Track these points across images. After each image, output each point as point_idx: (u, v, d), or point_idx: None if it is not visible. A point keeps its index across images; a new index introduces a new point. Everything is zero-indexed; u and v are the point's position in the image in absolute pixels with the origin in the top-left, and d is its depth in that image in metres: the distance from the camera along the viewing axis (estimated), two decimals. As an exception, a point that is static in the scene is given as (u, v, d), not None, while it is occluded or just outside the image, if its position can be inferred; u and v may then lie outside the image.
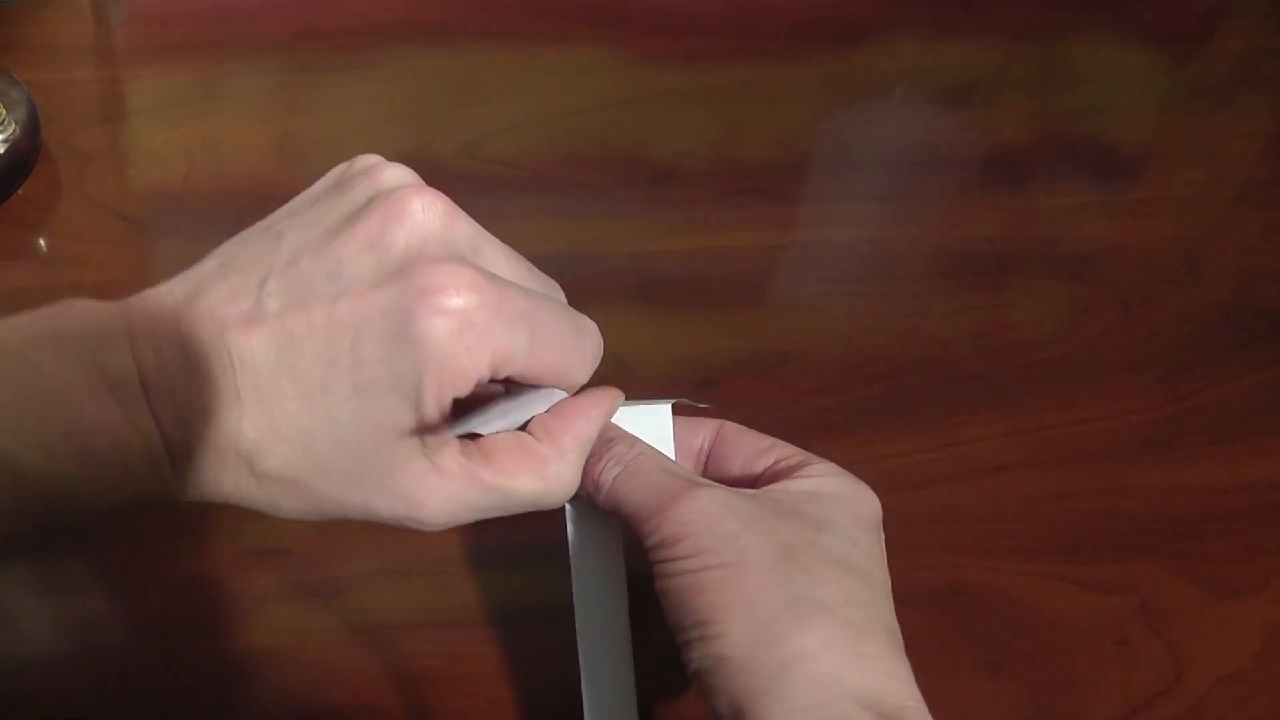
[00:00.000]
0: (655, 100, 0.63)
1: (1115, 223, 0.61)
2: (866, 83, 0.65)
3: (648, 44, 0.65)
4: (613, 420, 0.36)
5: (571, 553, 0.37)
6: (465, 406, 0.31)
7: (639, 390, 0.37)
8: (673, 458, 0.36)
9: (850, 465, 0.38)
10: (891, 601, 0.34)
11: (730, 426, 0.38)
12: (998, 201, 0.61)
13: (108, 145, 0.58)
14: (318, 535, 0.45)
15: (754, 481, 0.36)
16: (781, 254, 0.58)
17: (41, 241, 0.54)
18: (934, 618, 0.46)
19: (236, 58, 0.62)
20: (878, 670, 0.31)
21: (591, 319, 0.34)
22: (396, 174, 0.32)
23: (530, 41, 0.65)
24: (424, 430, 0.30)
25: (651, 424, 0.36)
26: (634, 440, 0.35)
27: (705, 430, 0.38)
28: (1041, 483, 0.50)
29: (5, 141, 0.53)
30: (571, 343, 0.32)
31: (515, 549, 0.46)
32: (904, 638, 0.34)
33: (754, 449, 0.37)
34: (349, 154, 0.60)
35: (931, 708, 0.33)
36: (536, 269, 0.34)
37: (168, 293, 0.31)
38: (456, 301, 0.29)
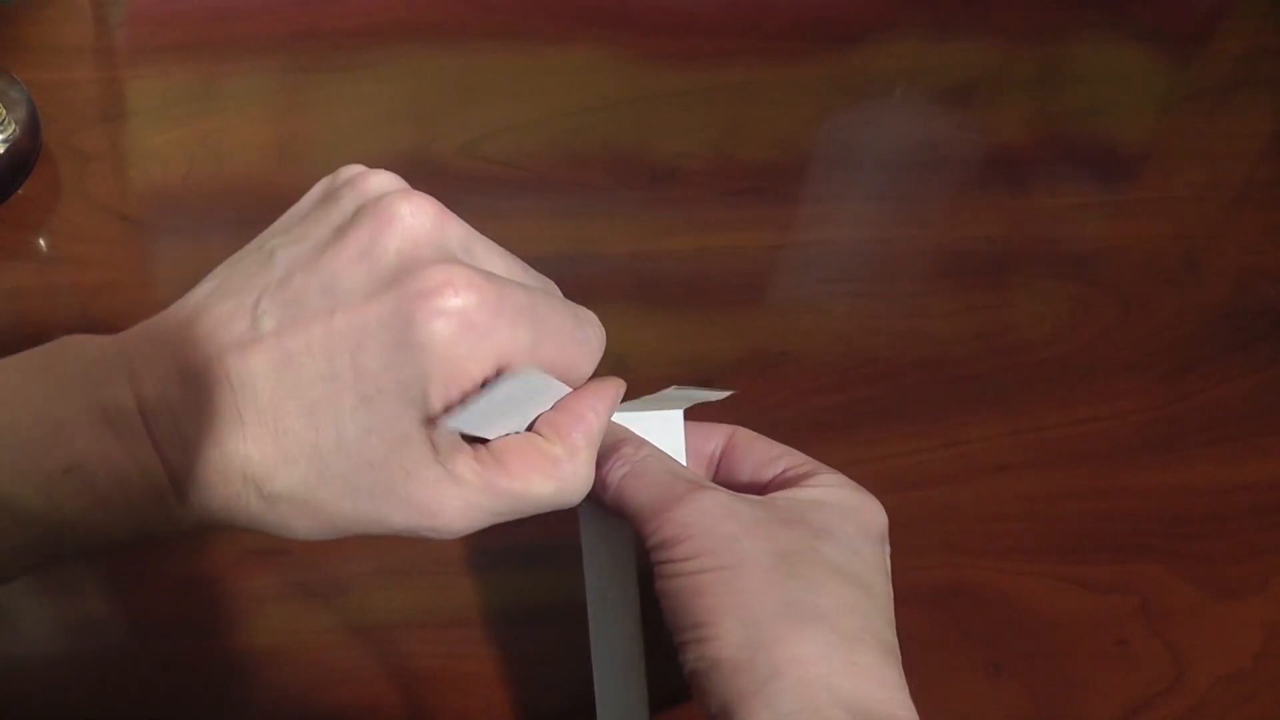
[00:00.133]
0: (655, 100, 0.63)
1: (1115, 223, 0.61)
2: (866, 83, 0.65)
3: (648, 44, 0.65)
4: (626, 425, 0.36)
5: (585, 553, 0.37)
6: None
7: (639, 391, 0.37)
8: (684, 462, 0.37)
9: (850, 465, 0.38)
10: (891, 613, 0.34)
11: (742, 433, 0.38)
12: (998, 201, 0.61)
13: (108, 145, 0.58)
14: (318, 535, 0.45)
15: (763, 488, 0.36)
16: (781, 254, 0.58)
17: (41, 241, 0.54)
18: (934, 618, 0.46)
19: (236, 58, 0.62)
20: (868, 678, 0.31)
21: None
22: (382, 181, 0.31)
23: (530, 41, 0.65)
24: (434, 438, 0.30)
25: (663, 429, 0.36)
26: (642, 442, 0.36)
27: (717, 436, 0.38)
28: (1041, 483, 0.50)
29: (5, 141, 0.53)
30: (575, 335, 0.32)
31: (515, 549, 0.46)
32: (904, 638, 0.34)
33: (764, 456, 0.37)
34: (349, 154, 0.60)
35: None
36: (530, 267, 0.33)
37: (163, 321, 0.31)
38: (455, 302, 0.29)
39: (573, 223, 0.57)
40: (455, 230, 0.31)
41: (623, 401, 0.36)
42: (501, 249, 0.33)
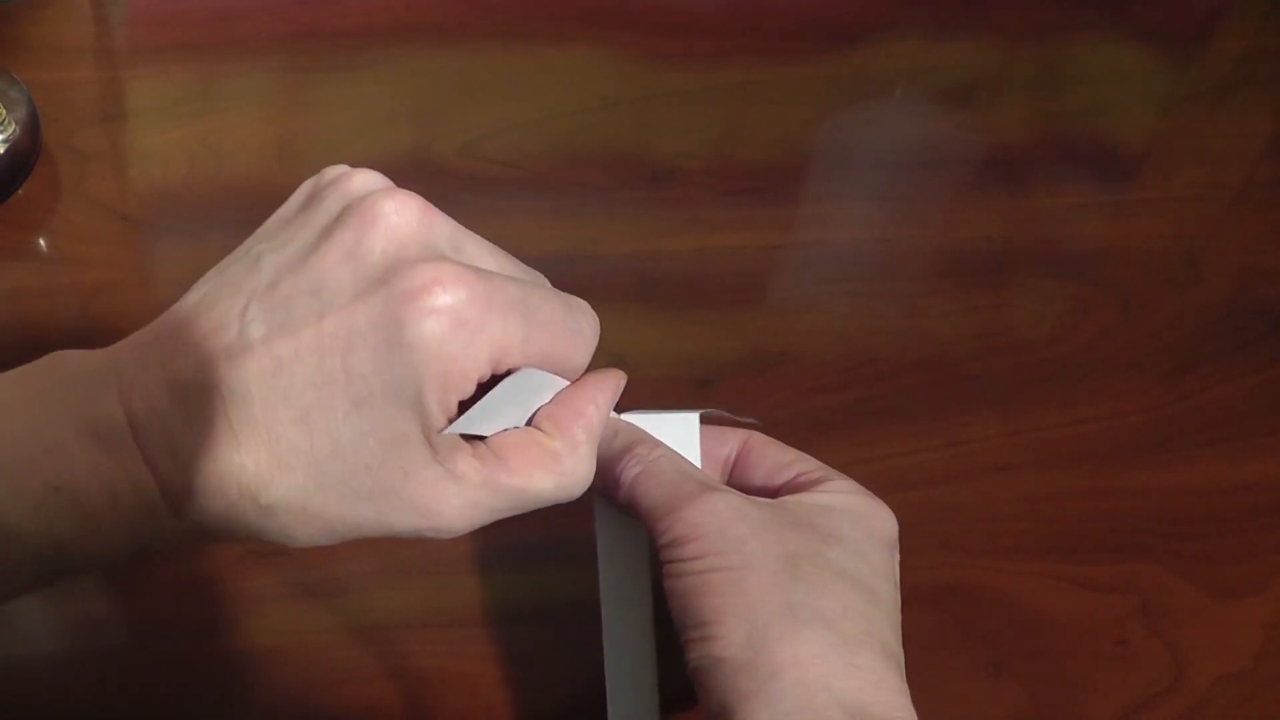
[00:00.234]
0: (655, 100, 0.63)
1: (1115, 223, 0.61)
2: (866, 83, 0.65)
3: (648, 44, 0.65)
4: (642, 426, 0.36)
5: (600, 550, 0.37)
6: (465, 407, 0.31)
7: (639, 390, 0.37)
8: (698, 465, 0.37)
9: (850, 465, 0.38)
10: (897, 620, 0.34)
11: (757, 438, 0.39)
12: (998, 201, 0.61)
13: (108, 145, 0.58)
14: (318, 535, 0.45)
15: (775, 493, 0.37)
16: (781, 254, 0.58)
17: (41, 241, 0.54)
18: (934, 618, 0.46)
19: (236, 58, 0.62)
20: (867, 680, 0.31)
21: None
22: (365, 180, 0.31)
23: (530, 41, 0.65)
24: (431, 437, 0.29)
25: (679, 432, 0.37)
26: (656, 443, 0.36)
27: (733, 440, 0.39)
28: (1041, 483, 0.50)
29: (5, 141, 0.53)
30: (568, 326, 0.32)
31: (516, 548, 0.46)
32: (904, 638, 0.34)
33: (778, 461, 0.37)
34: (349, 154, 0.60)
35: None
36: (519, 261, 0.33)
37: (152, 332, 0.31)
38: (445, 299, 0.28)
39: (573, 223, 0.57)
40: (442, 226, 0.31)
41: (643, 411, 0.37)
42: (490, 244, 0.32)
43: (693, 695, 0.36)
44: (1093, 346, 0.55)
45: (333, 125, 0.60)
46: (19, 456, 0.28)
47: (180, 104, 0.60)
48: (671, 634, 0.34)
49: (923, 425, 0.52)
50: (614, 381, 0.34)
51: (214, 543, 0.31)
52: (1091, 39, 0.70)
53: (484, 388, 0.31)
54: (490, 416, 0.31)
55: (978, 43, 0.69)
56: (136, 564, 0.44)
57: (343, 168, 0.32)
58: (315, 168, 0.33)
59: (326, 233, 0.30)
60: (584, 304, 0.33)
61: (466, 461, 0.30)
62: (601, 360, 0.35)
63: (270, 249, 0.30)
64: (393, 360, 0.28)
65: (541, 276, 0.33)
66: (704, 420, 0.37)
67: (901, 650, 0.34)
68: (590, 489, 0.36)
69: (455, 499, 0.30)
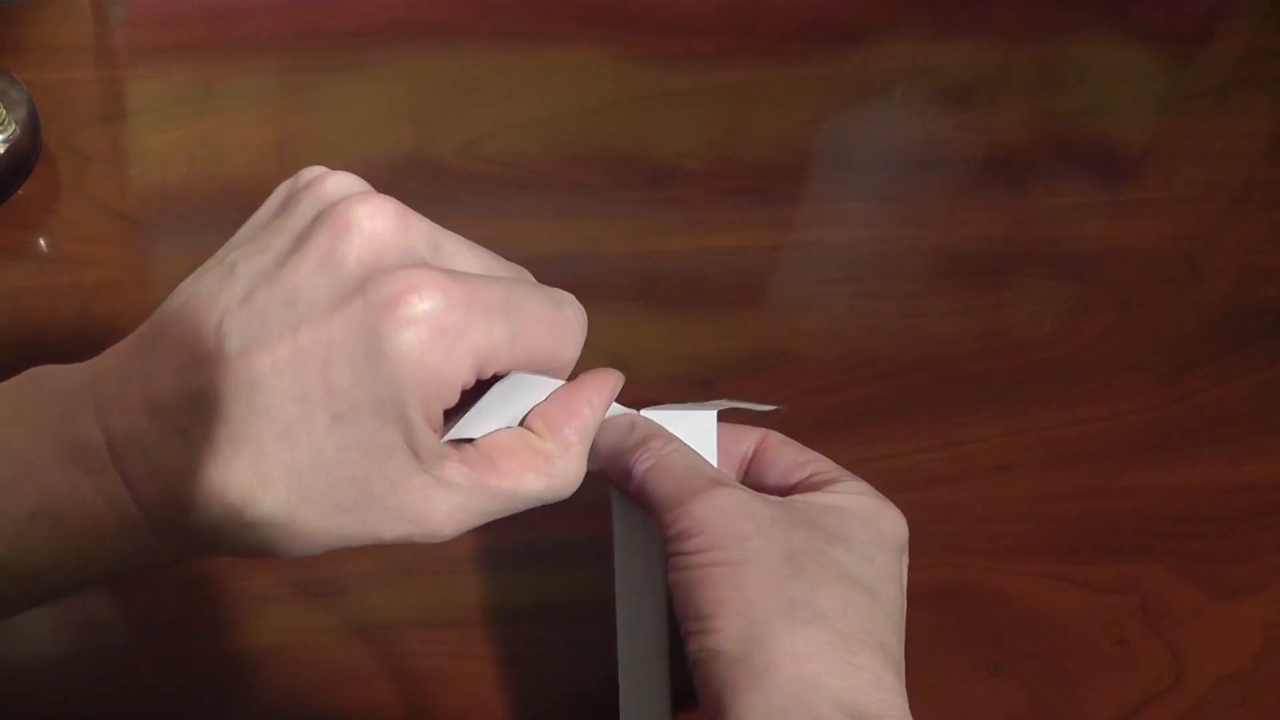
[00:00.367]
0: (655, 100, 0.63)
1: (1115, 223, 0.61)
2: (866, 83, 0.65)
3: (648, 44, 0.65)
4: (660, 422, 0.36)
5: (616, 543, 0.37)
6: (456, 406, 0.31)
7: (639, 390, 0.37)
8: (714, 462, 0.37)
9: (850, 465, 0.38)
10: (899, 622, 0.34)
11: (774, 437, 0.39)
12: (998, 201, 0.61)
13: (108, 145, 0.58)
14: (318, 535, 0.45)
15: (789, 492, 0.37)
16: (781, 254, 0.58)
17: (41, 241, 0.54)
18: (934, 618, 0.46)
19: (236, 58, 0.62)
20: (863, 679, 0.31)
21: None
22: (340, 183, 0.30)
23: (530, 41, 0.65)
24: (416, 446, 0.29)
25: (697, 428, 0.37)
26: (671, 438, 0.36)
27: (749, 439, 0.39)
28: (1041, 483, 0.50)
29: (5, 141, 0.53)
30: (554, 321, 0.31)
31: (516, 548, 0.46)
32: (905, 638, 0.34)
33: (792, 461, 0.38)
34: (349, 154, 0.60)
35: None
36: (500, 257, 0.32)
37: (130, 346, 0.30)
38: (423, 306, 0.27)
39: (573, 223, 0.57)
40: (418, 229, 0.30)
41: (663, 407, 0.37)
42: (469, 242, 0.31)
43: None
44: (1093, 346, 0.55)
45: (333, 125, 0.60)
46: None
47: (180, 104, 0.60)
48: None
49: (923, 425, 0.52)
50: (611, 381, 0.34)
51: (202, 559, 0.31)
52: (1091, 39, 0.70)
53: (472, 391, 0.31)
54: (483, 421, 0.31)
55: (978, 43, 0.69)
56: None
57: (319, 170, 0.31)
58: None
59: (301, 241, 0.29)
60: (569, 297, 0.32)
61: (454, 468, 0.30)
62: (601, 360, 0.35)
63: (244, 256, 0.30)
64: (372, 373, 0.28)
65: (525, 271, 0.33)
66: (724, 412, 0.37)
67: (902, 652, 0.34)
68: (609, 482, 0.36)
69: (444, 505, 0.30)
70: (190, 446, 0.28)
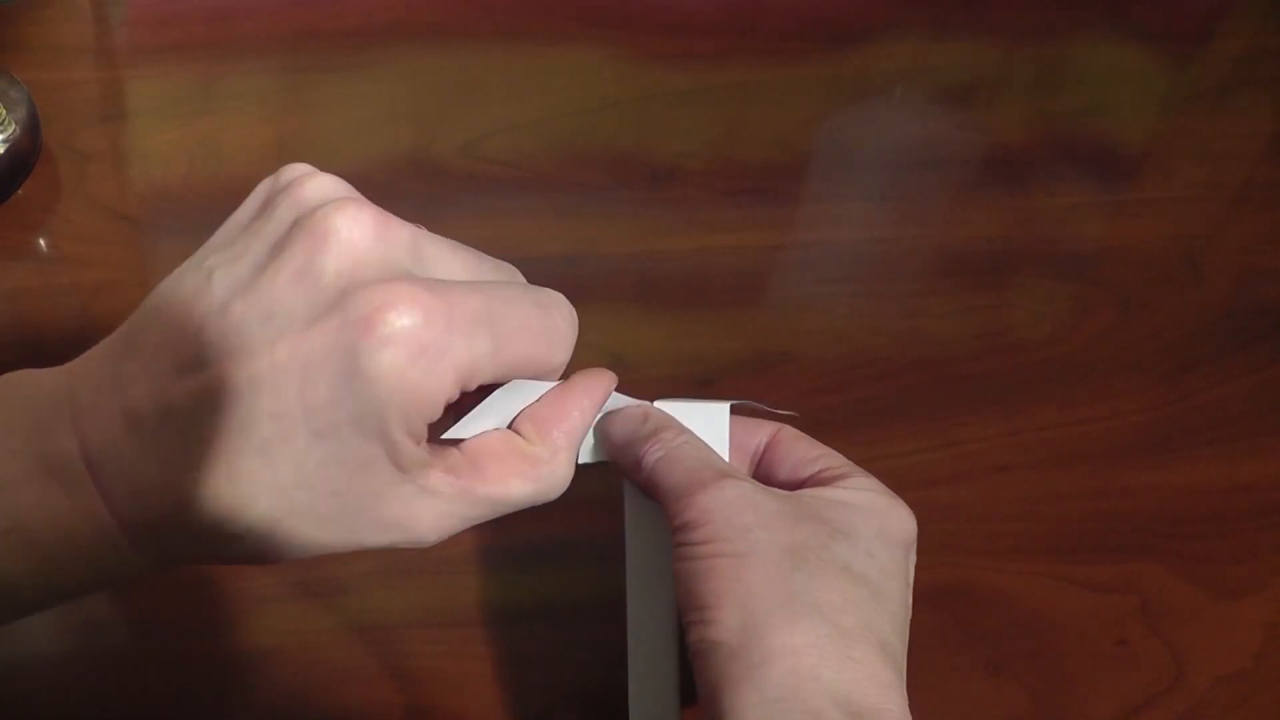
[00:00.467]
0: (655, 100, 0.63)
1: (1115, 223, 0.61)
2: (866, 83, 0.65)
3: (648, 44, 0.65)
4: (672, 414, 0.36)
5: (627, 533, 0.37)
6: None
7: (639, 391, 0.37)
8: (726, 454, 0.37)
9: (850, 465, 0.38)
10: (901, 619, 0.34)
11: (788, 432, 0.39)
12: (998, 201, 0.61)
13: (108, 145, 0.58)
14: (318, 535, 0.45)
15: (799, 487, 0.37)
16: (781, 254, 0.58)
17: (41, 241, 0.54)
18: (934, 618, 0.46)
19: (236, 58, 0.62)
20: (860, 673, 0.31)
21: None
22: (319, 187, 0.29)
23: (530, 41, 0.65)
24: (399, 459, 0.28)
25: (709, 421, 0.37)
26: (682, 429, 0.36)
27: (763, 432, 0.39)
28: (1041, 483, 0.50)
29: (5, 141, 0.53)
30: (541, 326, 0.30)
31: (515, 548, 0.46)
32: (907, 635, 0.34)
33: (804, 456, 0.37)
34: (349, 154, 0.60)
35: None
36: (487, 256, 0.31)
37: (106, 351, 0.29)
38: (401, 323, 0.27)
39: (573, 223, 0.57)
40: (398, 236, 0.28)
41: (677, 400, 0.37)
42: (455, 244, 0.30)
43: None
44: (1093, 346, 0.55)
45: (333, 125, 0.60)
46: None
47: (180, 104, 0.60)
48: None
49: (923, 425, 0.52)
50: (603, 383, 0.34)
51: (183, 567, 0.30)
52: (1091, 39, 0.70)
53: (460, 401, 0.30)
54: (479, 422, 0.31)
55: (978, 43, 0.69)
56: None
57: (300, 169, 0.30)
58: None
59: (278, 249, 0.28)
60: (558, 298, 0.31)
61: (438, 477, 0.30)
62: (601, 360, 0.35)
63: (221, 263, 0.29)
64: (352, 393, 0.27)
65: (514, 270, 0.32)
66: (738, 411, 0.37)
67: (902, 649, 0.33)
68: (620, 472, 0.36)
69: (429, 513, 0.30)
70: (167, 461, 0.28)
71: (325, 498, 0.28)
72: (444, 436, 0.31)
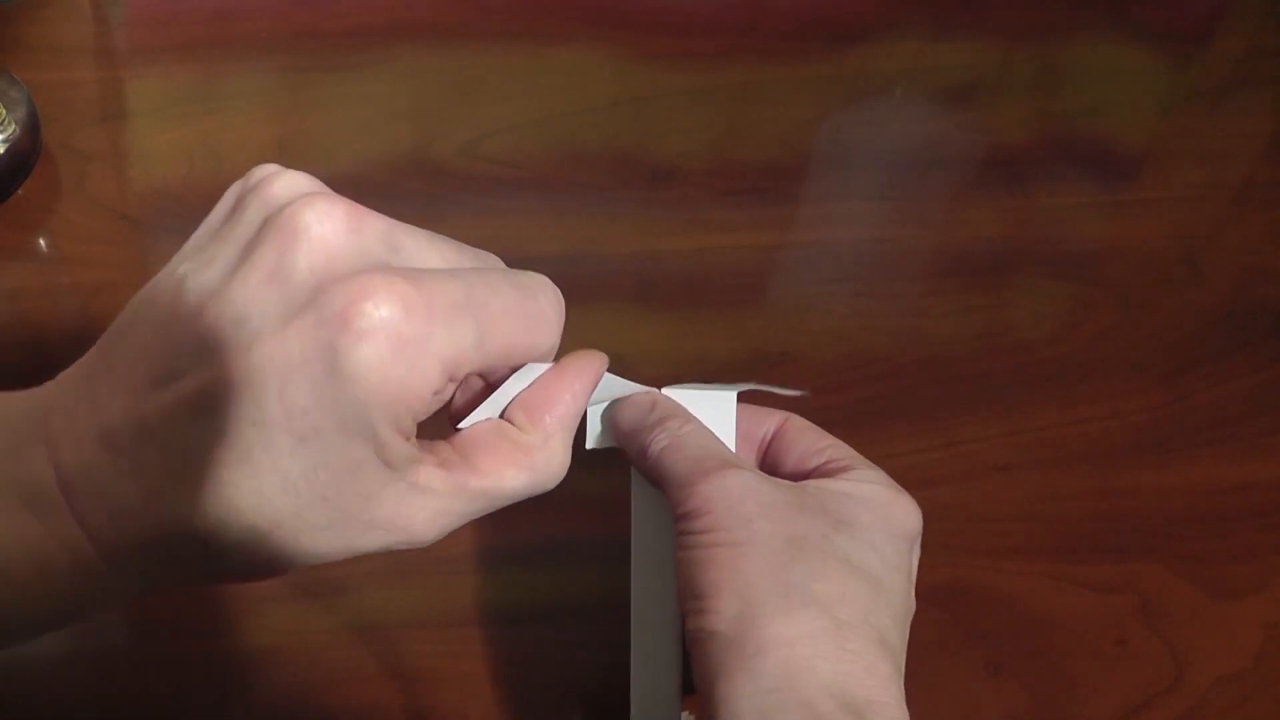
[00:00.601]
0: (655, 100, 0.63)
1: (1115, 223, 0.61)
2: (866, 83, 0.65)
3: (648, 44, 0.65)
4: (680, 402, 0.36)
5: (633, 519, 0.37)
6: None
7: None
8: (732, 443, 0.37)
9: (850, 465, 0.38)
10: (900, 612, 0.34)
11: (795, 421, 0.38)
12: (998, 201, 0.61)
13: (108, 145, 0.58)
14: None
15: (805, 477, 0.37)
16: (781, 254, 0.58)
17: (41, 241, 0.54)
18: (934, 618, 0.46)
19: (236, 58, 0.62)
20: (856, 665, 0.31)
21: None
22: (288, 184, 0.28)
23: (530, 41, 0.65)
24: (388, 457, 0.27)
25: (716, 409, 0.37)
26: (689, 418, 0.36)
27: (770, 421, 0.38)
28: (1041, 483, 0.50)
29: (5, 141, 0.53)
30: (525, 310, 0.29)
31: (516, 548, 0.46)
32: (907, 628, 0.34)
33: (811, 447, 0.37)
34: (349, 154, 0.60)
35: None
36: (466, 246, 0.30)
37: (82, 370, 0.28)
38: (380, 315, 0.26)
39: (573, 223, 0.57)
40: (372, 228, 0.28)
41: (684, 386, 0.37)
42: (431, 234, 0.29)
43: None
44: (1093, 346, 0.55)
45: (333, 125, 0.60)
46: None
47: (180, 104, 0.60)
48: None
49: (923, 425, 0.52)
50: (594, 365, 0.32)
51: (168, 589, 0.29)
52: (1091, 39, 0.70)
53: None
54: (485, 413, 0.31)
55: (978, 43, 0.69)
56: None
57: (269, 168, 0.29)
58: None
59: (248, 251, 0.27)
60: (542, 280, 0.30)
61: (429, 473, 0.28)
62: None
63: (193, 270, 0.28)
64: (334, 393, 0.26)
65: (493, 257, 0.31)
66: (749, 395, 0.37)
67: (902, 643, 0.33)
68: (627, 460, 0.36)
69: (422, 511, 0.28)
70: (146, 479, 0.27)
71: (314, 504, 0.27)
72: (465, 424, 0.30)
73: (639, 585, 0.38)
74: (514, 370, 0.31)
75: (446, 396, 0.30)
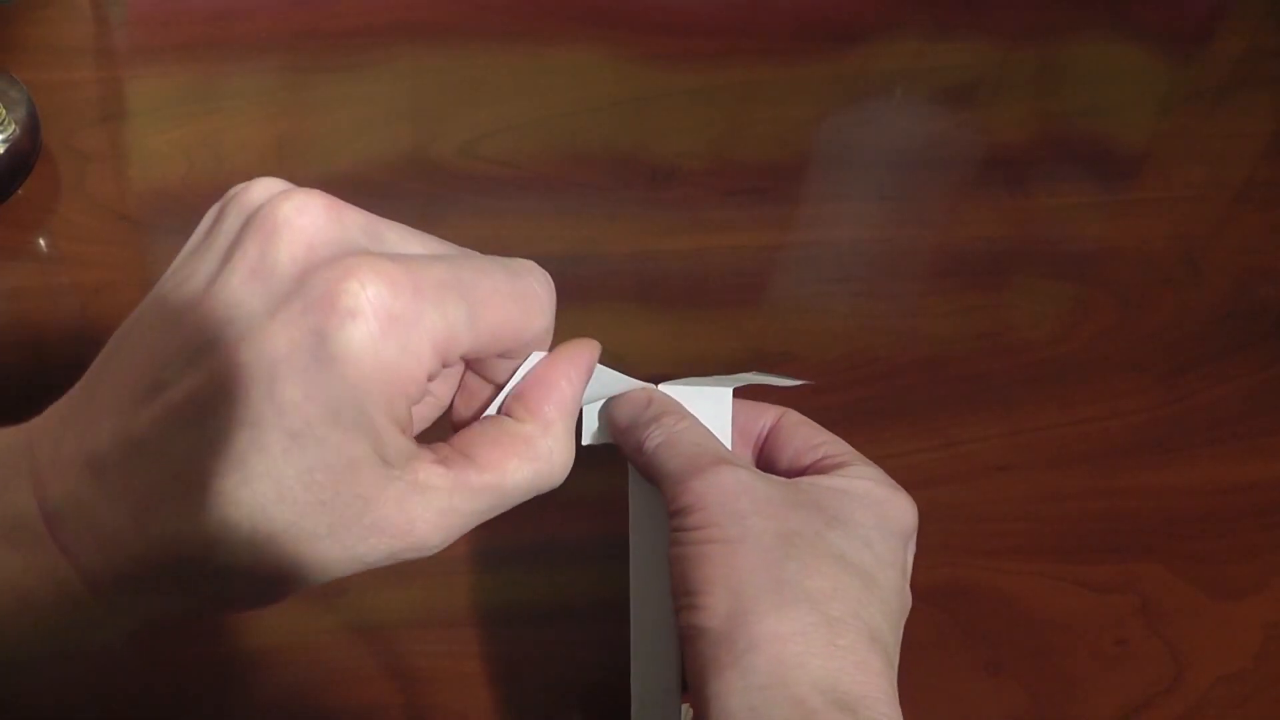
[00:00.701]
0: (655, 100, 0.63)
1: (1115, 223, 0.61)
2: (866, 83, 0.65)
3: (648, 44, 0.65)
4: (676, 398, 0.36)
5: (630, 515, 0.37)
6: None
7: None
8: (728, 439, 0.37)
9: (850, 465, 0.38)
10: (894, 609, 0.34)
11: (791, 416, 0.38)
12: (998, 201, 0.61)
13: (108, 145, 0.58)
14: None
15: (801, 473, 0.37)
16: (781, 254, 0.58)
17: (41, 241, 0.54)
18: (934, 618, 0.46)
19: (236, 58, 0.62)
20: (847, 661, 0.31)
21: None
22: (262, 188, 0.27)
23: (530, 41, 0.65)
24: (385, 452, 0.26)
25: (713, 405, 0.37)
26: (684, 414, 0.36)
27: (767, 416, 0.38)
28: (1041, 483, 0.50)
29: (5, 141, 0.53)
30: (514, 290, 0.28)
31: (516, 548, 0.46)
32: (904, 637, 0.34)
33: (807, 442, 0.37)
34: (349, 154, 0.60)
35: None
36: (448, 243, 0.29)
37: (69, 400, 0.27)
38: (366, 294, 0.25)
39: (573, 223, 0.57)
40: (352, 219, 0.27)
41: (681, 382, 0.37)
42: (412, 230, 0.28)
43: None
44: (1093, 346, 0.55)
45: (333, 125, 0.60)
46: None
47: (180, 104, 0.60)
48: None
49: (923, 425, 0.52)
50: (587, 352, 0.32)
51: (167, 625, 0.28)
52: (1091, 39, 0.70)
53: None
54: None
55: (978, 43, 0.69)
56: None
57: (245, 184, 0.28)
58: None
59: (229, 253, 0.26)
60: (530, 264, 0.29)
61: (429, 469, 0.27)
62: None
63: (175, 286, 0.27)
64: (325, 381, 0.25)
65: (474, 253, 0.30)
66: (748, 389, 0.37)
67: (895, 639, 0.33)
68: (624, 457, 0.36)
69: (427, 512, 0.27)
70: (135, 499, 0.25)
71: (312, 511, 0.26)
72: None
73: (637, 582, 0.38)
74: (508, 358, 0.30)
75: (445, 403, 0.30)
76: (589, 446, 0.37)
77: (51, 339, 0.50)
